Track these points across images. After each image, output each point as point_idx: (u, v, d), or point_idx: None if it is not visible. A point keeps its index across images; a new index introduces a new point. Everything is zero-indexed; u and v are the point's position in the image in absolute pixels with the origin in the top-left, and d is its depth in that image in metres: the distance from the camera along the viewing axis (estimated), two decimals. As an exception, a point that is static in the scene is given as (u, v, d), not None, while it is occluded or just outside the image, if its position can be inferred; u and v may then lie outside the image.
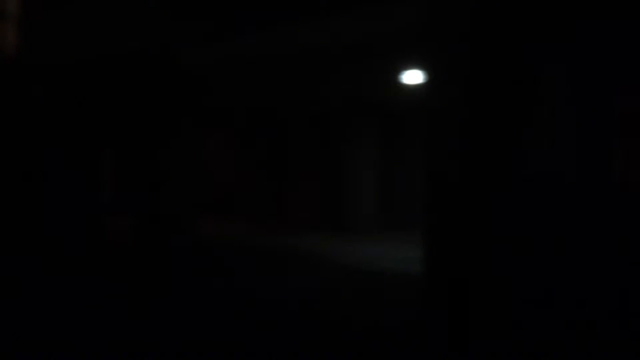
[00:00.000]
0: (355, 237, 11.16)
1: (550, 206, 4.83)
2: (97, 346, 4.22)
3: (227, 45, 8.07)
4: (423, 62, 6.59)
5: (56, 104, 9.59)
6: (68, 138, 9.60)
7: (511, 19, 5.14)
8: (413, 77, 9.00)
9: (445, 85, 5.43)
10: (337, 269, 7.57)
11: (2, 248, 8.94)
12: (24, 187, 9.42)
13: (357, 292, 6.23)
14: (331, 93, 11.39)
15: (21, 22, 9.60)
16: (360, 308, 5.54)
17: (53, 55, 9.38)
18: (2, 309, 5.35)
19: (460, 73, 5.29)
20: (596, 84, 6.31)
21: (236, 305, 5.54)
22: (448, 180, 5.19)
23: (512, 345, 4.24)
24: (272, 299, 5.85)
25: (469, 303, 4.85)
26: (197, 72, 9.62)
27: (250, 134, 14.72)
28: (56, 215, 9.44)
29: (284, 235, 11.40)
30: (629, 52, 7.34)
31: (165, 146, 9.15)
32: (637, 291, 4.68)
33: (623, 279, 4.68)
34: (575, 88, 6.07)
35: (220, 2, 7.22)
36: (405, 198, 12.56)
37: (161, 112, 9.22)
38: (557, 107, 6.22)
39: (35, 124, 9.52)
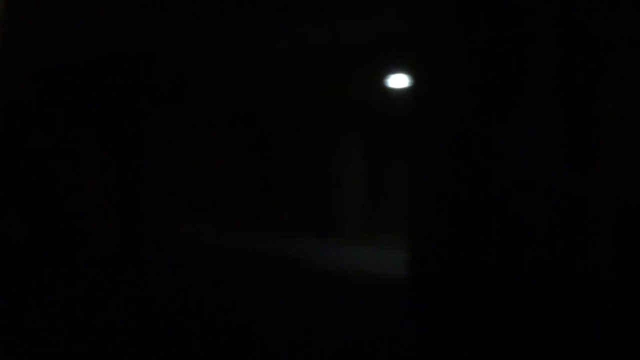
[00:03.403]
0: (341, 240, 11.15)
1: (532, 210, 4.86)
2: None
3: (211, 47, 8.05)
4: (409, 66, 6.61)
5: (38, 107, 9.49)
6: (50, 141, 9.49)
7: (495, 25, 5.18)
8: (399, 80, 9.03)
9: (430, 89, 5.45)
10: (321, 273, 7.56)
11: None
12: (4, 190, 9.30)
13: (339, 295, 6.22)
14: (317, 96, 11.39)
15: (3, 24, 9.49)
16: (343, 311, 5.52)
17: (36, 57, 9.28)
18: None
19: (445, 78, 5.32)
20: (578, 90, 6.38)
21: (214, 304, 5.51)
22: (433, 184, 5.20)
23: (495, 348, 4.25)
24: (252, 302, 5.82)
25: (453, 306, 4.85)
26: (181, 75, 9.58)
27: (237, 137, 14.69)
28: (36, 218, 9.33)
29: (270, 238, 11.36)
30: (610, 60, 7.45)
31: (148, 149, 9.09)
32: (623, 294, 4.72)
33: (610, 281, 4.72)
34: (557, 94, 6.12)
35: (205, 4, 7.19)
36: (392, 201, 12.58)
37: (144, 115, 9.16)
38: (540, 112, 6.27)
39: (17, 127, 9.42)
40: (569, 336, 4.39)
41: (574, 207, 4.83)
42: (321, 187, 13.06)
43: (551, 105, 6.27)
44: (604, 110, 11.41)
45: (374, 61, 8.31)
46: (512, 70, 5.44)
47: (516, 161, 5.37)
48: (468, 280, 4.85)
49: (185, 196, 13.97)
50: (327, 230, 12.19)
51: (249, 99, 11.98)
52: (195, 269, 7.85)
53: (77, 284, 6.72)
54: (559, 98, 6.21)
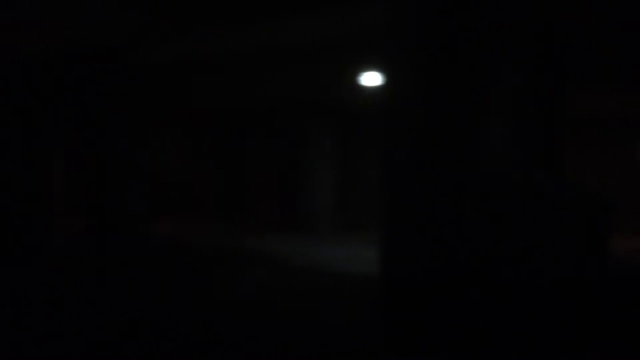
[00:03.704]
0: (313, 238, 11.15)
1: (502, 207, 4.92)
2: None
3: (178, 43, 7.96)
4: (381, 65, 6.64)
5: (4, 103, 9.27)
6: (17, 138, 9.28)
7: (467, 24, 5.22)
8: (371, 78, 9.06)
9: (403, 88, 5.47)
10: (292, 270, 7.55)
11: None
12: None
13: (310, 293, 6.22)
14: (290, 93, 11.37)
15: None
16: (312, 309, 5.52)
17: (2, 53, 9.05)
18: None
19: (417, 76, 5.35)
20: (549, 91, 6.48)
21: (178, 301, 5.46)
22: (404, 181, 5.23)
23: (468, 346, 4.29)
24: (222, 299, 5.79)
25: (424, 304, 4.89)
26: (152, 71, 9.45)
27: (208, 134, 14.57)
28: (3, 216, 9.12)
29: (241, 235, 11.31)
30: (577, 62, 7.60)
31: (116, 146, 8.96)
32: (591, 290, 4.81)
33: (576, 279, 4.81)
34: (529, 94, 6.21)
35: (169, 2, 7.10)
36: (364, 198, 12.63)
37: (112, 112, 9.02)
38: (512, 112, 6.35)
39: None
40: (542, 333, 4.46)
41: (545, 205, 4.91)
42: (294, 184, 13.04)
43: (523, 105, 6.36)
44: (574, 111, 11.64)
45: (346, 59, 8.32)
46: (485, 71, 5.49)
47: (488, 159, 5.43)
48: (439, 278, 4.89)
49: (158, 194, 13.82)
50: (300, 227, 12.18)
51: (221, 96, 11.88)
52: (162, 266, 7.76)
53: (36, 281, 6.58)
54: (530, 98, 6.31)
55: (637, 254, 8.88)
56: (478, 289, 4.75)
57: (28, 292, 6.07)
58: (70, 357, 3.98)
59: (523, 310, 4.64)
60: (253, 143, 14.18)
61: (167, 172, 15.04)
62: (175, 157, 15.18)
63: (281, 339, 4.46)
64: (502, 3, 5.37)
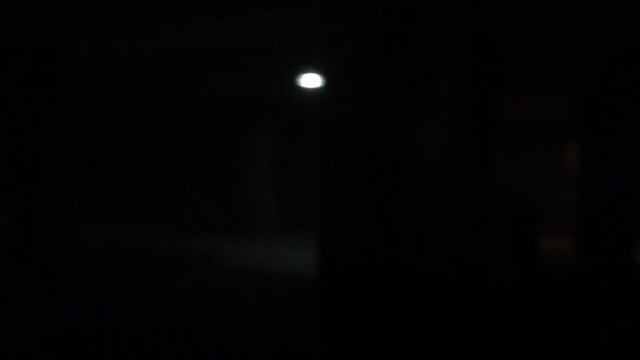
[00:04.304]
0: (254, 239, 11.10)
1: (434, 209, 5.06)
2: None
3: (116, 41, 7.77)
4: (320, 66, 6.69)
5: None
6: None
7: (402, 29, 5.34)
8: (312, 80, 9.12)
9: (341, 89, 5.54)
10: (228, 271, 7.49)
11: None
12: None
13: (245, 293, 6.20)
14: (230, 94, 11.28)
15: None
16: (251, 310, 5.51)
17: None
18: None
19: (354, 78, 5.43)
20: (479, 93, 6.72)
21: (110, 304, 5.32)
22: (342, 183, 5.30)
23: (403, 345, 4.39)
24: (155, 302, 5.68)
25: (361, 305, 4.97)
26: (85, 69, 9.16)
27: (148, 134, 14.24)
28: None
29: (181, 237, 11.11)
30: (508, 68, 7.92)
31: (46, 145, 8.62)
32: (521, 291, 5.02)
33: (505, 279, 5.00)
34: (461, 96, 6.42)
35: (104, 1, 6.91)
36: (305, 199, 12.68)
37: (42, 111, 8.67)
38: (447, 115, 6.54)
39: None
40: (473, 332, 4.61)
41: (474, 206, 5.08)
42: (234, 186, 12.94)
43: (456, 108, 6.55)
44: (505, 114, 12.11)
45: (286, 60, 8.34)
46: (420, 75, 5.64)
47: (422, 161, 5.57)
48: (375, 278, 4.98)
49: (96, 195, 13.39)
50: (241, 228, 12.10)
51: (160, 96, 11.66)
52: (95, 269, 7.53)
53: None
54: (463, 102, 6.51)
55: (562, 254, 9.32)
56: (412, 289, 4.87)
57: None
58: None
59: (455, 310, 4.79)
60: (192, 143, 13.97)
61: (103, 173, 14.59)
62: (111, 157, 14.75)
63: (213, 339, 4.42)
64: (435, 10, 5.53)
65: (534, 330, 4.76)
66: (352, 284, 5.07)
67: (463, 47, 6.21)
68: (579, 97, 8.28)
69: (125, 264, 8.02)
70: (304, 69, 8.78)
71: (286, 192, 12.71)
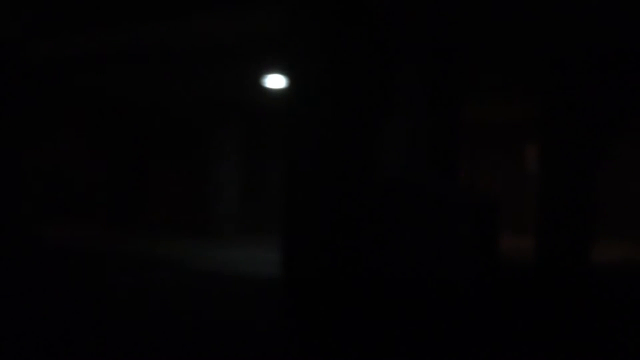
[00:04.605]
0: (216, 241, 10.99)
1: (397, 209, 5.11)
2: None
3: (74, 40, 7.60)
4: (285, 68, 6.68)
5: None
6: None
7: (368, 35, 5.37)
8: (276, 81, 9.09)
9: (305, 91, 5.54)
10: (191, 273, 7.40)
11: None
12: None
13: (208, 295, 6.13)
14: (193, 94, 11.15)
15: None
16: (213, 311, 5.45)
17: None
18: None
19: (319, 81, 5.43)
20: (443, 98, 6.81)
21: (66, 307, 5.20)
22: (306, 184, 5.29)
23: (367, 343, 4.41)
24: (114, 306, 5.57)
25: (324, 303, 4.97)
26: (42, 69, 8.93)
27: (109, 135, 13.94)
28: None
29: (143, 239, 10.92)
30: (470, 70, 8.06)
31: (4, 144, 8.37)
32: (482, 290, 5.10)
33: (466, 276, 5.08)
34: (426, 99, 6.48)
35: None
36: (269, 201, 12.63)
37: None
38: (410, 115, 6.61)
39: None
40: (435, 329, 4.66)
41: (436, 206, 5.14)
42: (198, 187, 12.80)
43: (421, 111, 6.62)
44: (467, 116, 12.30)
45: (250, 61, 8.30)
46: (386, 78, 5.68)
47: (386, 163, 5.61)
48: (338, 278, 4.99)
49: (56, 196, 13.04)
50: (204, 230, 11.98)
51: (121, 93, 11.45)
52: (52, 271, 7.33)
53: None
54: (429, 105, 6.58)
55: (522, 254, 9.52)
56: (374, 288, 4.90)
57: None
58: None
59: (415, 308, 4.84)
60: (155, 144, 13.76)
61: (64, 173, 14.22)
62: (72, 158, 14.38)
63: (176, 340, 4.36)
64: (398, 14, 5.57)
65: (490, 328, 4.84)
66: (315, 284, 5.08)
67: (426, 50, 6.29)
68: (538, 99, 8.47)
69: (81, 266, 7.84)
70: (269, 70, 8.75)
71: (251, 193, 12.64)
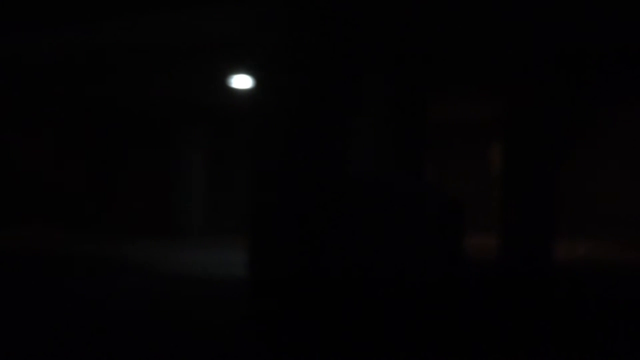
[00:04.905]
0: (184, 242, 10.88)
1: (362, 209, 5.12)
2: None
3: (42, 38, 7.44)
4: (251, 69, 6.64)
5: None
6: None
7: (333, 31, 5.37)
8: (243, 82, 9.04)
9: (272, 92, 5.51)
10: (158, 276, 7.31)
11: None
12: None
13: (174, 297, 6.06)
14: (159, 95, 11.01)
15: None
16: (177, 314, 5.39)
17: None
18: None
19: (286, 81, 5.40)
20: (409, 98, 6.85)
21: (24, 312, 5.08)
22: (272, 184, 5.27)
23: (336, 344, 4.40)
24: (78, 306, 5.46)
25: (291, 305, 4.96)
26: (11, 67, 8.72)
27: (75, 135, 13.66)
28: None
29: (109, 241, 10.74)
30: (435, 71, 8.15)
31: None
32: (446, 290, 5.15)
33: (431, 276, 5.12)
34: (393, 100, 6.51)
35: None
36: (237, 202, 12.55)
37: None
38: (376, 116, 6.63)
39: None
40: (400, 330, 4.69)
41: (405, 206, 5.18)
42: (165, 188, 12.64)
43: (388, 111, 6.66)
44: (432, 116, 12.42)
45: (216, 61, 8.23)
46: (353, 79, 5.68)
47: (352, 163, 5.61)
48: (305, 279, 4.98)
49: (14, 197, 12.71)
50: (172, 231, 11.85)
51: (86, 92, 11.24)
52: (9, 276, 7.15)
53: None
54: (395, 106, 6.62)
55: (487, 253, 9.65)
56: (341, 289, 4.90)
57: None
58: None
59: (382, 308, 4.86)
60: (122, 144, 13.54)
61: (28, 173, 13.87)
62: (38, 159, 14.03)
63: (136, 344, 4.30)
64: (365, 15, 5.58)
65: (453, 328, 4.89)
66: (282, 285, 5.05)
67: (392, 51, 6.32)
68: (502, 99, 8.60)
69: (47, 269, 7.66)
70: (236, 70, 8.70)
71: (218, 194, 12.54)
